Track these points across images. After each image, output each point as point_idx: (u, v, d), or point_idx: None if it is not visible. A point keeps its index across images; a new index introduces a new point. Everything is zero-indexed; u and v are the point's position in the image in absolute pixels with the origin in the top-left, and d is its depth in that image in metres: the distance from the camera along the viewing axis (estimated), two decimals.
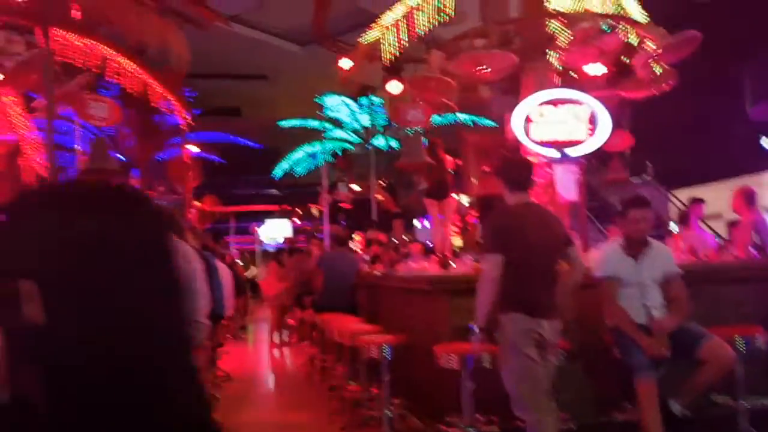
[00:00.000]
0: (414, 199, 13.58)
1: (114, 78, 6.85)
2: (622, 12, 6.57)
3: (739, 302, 4.54)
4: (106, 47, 6.58)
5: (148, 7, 6.19)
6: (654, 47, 6.08)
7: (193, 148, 11.82)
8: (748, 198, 5.98)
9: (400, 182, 16.64)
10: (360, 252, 9.76)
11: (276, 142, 21.02)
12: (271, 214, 24.32)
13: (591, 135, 5.87)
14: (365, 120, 18.79)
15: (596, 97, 5.94)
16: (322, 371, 7.12)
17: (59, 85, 5.72)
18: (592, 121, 5.86)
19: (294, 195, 23.13)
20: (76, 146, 8.46)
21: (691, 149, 12.34)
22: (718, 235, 8.62)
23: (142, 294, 0.72)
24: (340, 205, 16.62)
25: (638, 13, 6.70)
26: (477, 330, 3.42)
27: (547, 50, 6.26)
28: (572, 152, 5.86)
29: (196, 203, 9.76)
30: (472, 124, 13.00)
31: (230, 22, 10.77)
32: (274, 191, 24.69)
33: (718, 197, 9.11)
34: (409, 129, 7.77)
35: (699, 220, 7.85)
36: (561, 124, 5.84)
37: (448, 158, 7.70)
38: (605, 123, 5.85)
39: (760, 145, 12.89)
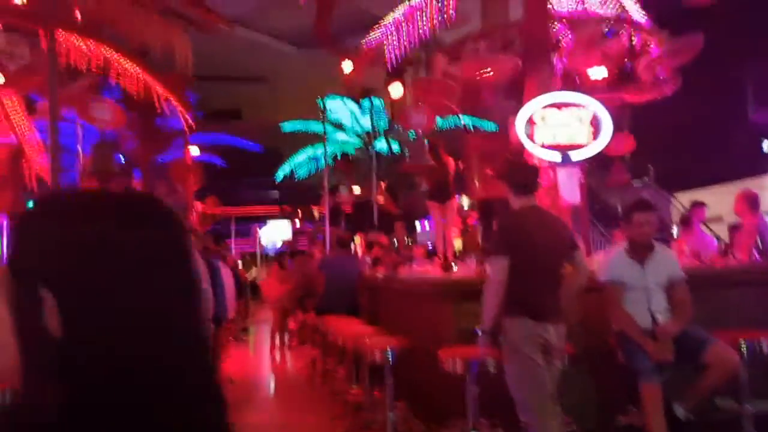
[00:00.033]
0: (415, 201, 13.59)
1: (117, 80, 6.86)
2: (625, 15, 6.58)
3: (742, 306, 4.53)
4: (109, 50, 6.58)
5: (151, 10, 6.20)
6: (657, 51, 6.08)
7: (195, 151, 11.84)
8: (751, 202, 5.98)
9: (401, 184, 16.64)
10: (361, 254, 9.76)
11: (277, 145, 21.04)
12: (271, 217, 24.33)
13: (593, 138, 5.87)
14: (367, 122, 18.80)
15: (598, 101, 5.95)
16: (324, 374, 7.11)
17: (62, 88, 5.73)
18: (595, 124, 5.86)
19: (295, 197, 23.14)
20: (78, 148, 8.46)
21: (692, 152, 12.36)
22: (719, 239, 8.61)
23: (161, 296, 0.73)
24: (342, 207, 16.62)
25: (640, 17, 6.72)
26: (483, 334, 3.41)
27: (550, 53, 6.27)
28: (575, 156, 5.87)
29: (199, 203, 9.75)
30: (472, 128, 13.01)
31: (232, 24, 10.77)
32: (274, 193, 24.71)
33: (719, 200, 9.12)
34: (411, 132, 7.78)
35: (701, 224, 7.84)
36: (564, 128, 5.84)
37: (450, 160, 7.71)
38: (607, 126, 5.85)
39: (762, 149, 12.90)
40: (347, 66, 8.06)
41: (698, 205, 7.69)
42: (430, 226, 14.52)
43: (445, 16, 6.36)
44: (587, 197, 6.92)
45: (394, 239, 10.79)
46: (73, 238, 0.70)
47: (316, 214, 20.38)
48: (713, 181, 11.52)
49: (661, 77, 6.37)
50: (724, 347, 3.82)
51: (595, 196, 9.87)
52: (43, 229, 0.72)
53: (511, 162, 5.12)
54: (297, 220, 23.91)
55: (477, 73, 6.00)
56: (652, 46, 6.26)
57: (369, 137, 18.79)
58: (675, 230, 8.63)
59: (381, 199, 14.63)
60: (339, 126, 19.50)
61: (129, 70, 7.03)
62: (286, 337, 10.82)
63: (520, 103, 6.02)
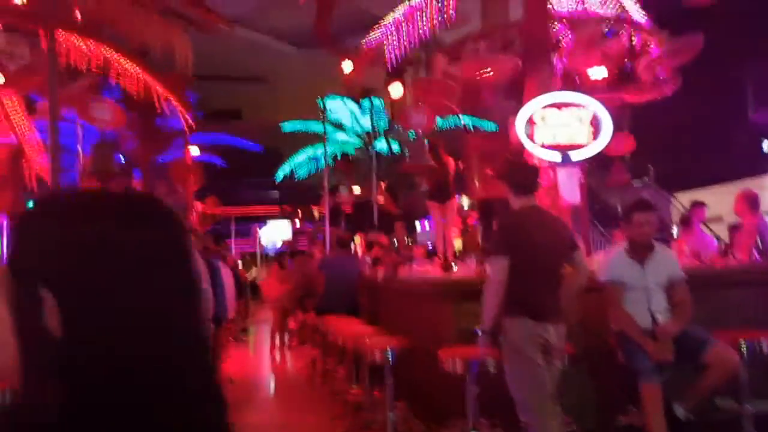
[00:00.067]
0: (415, 201, 13.59)
1: (117, 80, 6.86)
2: (625, 15, 6.58)
3: (742, 306, 4.53)
4: (109, 49, 6.59)
5: (151, 10, 6.20)
6: (657, 51, 6.08)
7: (195, 151, 11.83)
8: (751, 202, 5.98)
9: (401, 184, 16.65)
10: (361, 254, 9.75)
11: (277, 145, 21.04)
12: (271, 217, 24.32)
13: (593, 138, 5.87)
14: (367, 123, 18.80)
15: (598, 101, 5.95)
16: (324, 374, 7.11)
17: (62, 88, 5.73)
18: (595, 124, 5.86)
19: (295, 197, 23.14)
20: (78, 148, 8.46)
21: (692, 152, 12.36)
22: (719, 239, 8.61)
23: (161, 296, 0.73)
24: (342, 207, 16.62)
25: (641, 17, 6.72)
26: (483, 333, 3.41)
27: (550, 54, 6.27)
28: (575, 156, 5.86)
29: (199, 203, 9.76)
30: (472, 128, 13.01)
31: (232, 24, 10.77)
32: (274, 193, 24.71)
33: (719, 200, 9.12)
34: (411, 132, 7.79)
35: (701, 224, 7.84)
36: (564, 128, 5.84)
37: (450, 160, 7.71)
38: (608, 126, 5.85)
39: (762, 149, 12.90)
40: (347, 66, 8.06)
41: (698, 205, 7.69)
42: (430, 226, 14.52)
43: (445, 16, 6.36)
44: (587, 197, 6.92)
45: (394, 239, 10.78)
46: (73, 238, 0.70)
47: (316, 214, 20.38)
48: (713, 181, 11.52)
49: (661, 77, 6.37)
50: (725, 347, 3.82)
51: (594, 196, 9.87)
52: (43, 229, 0.72)
53: (511, 162, 5.12)
54: (297, 220, 23.91)
55: (477, 73, 6.00)
56: (652, 46, 6.26)
57: (369, 137, 18.79)
58: (675, 230, 8.64)
59: (381, 199, 14.63)
60: (339, 126, 19.50)
61: (129, 70, 7.03)
62: (286, 337, 10.81)
63: (520, 103, 6.02)
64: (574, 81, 6.52)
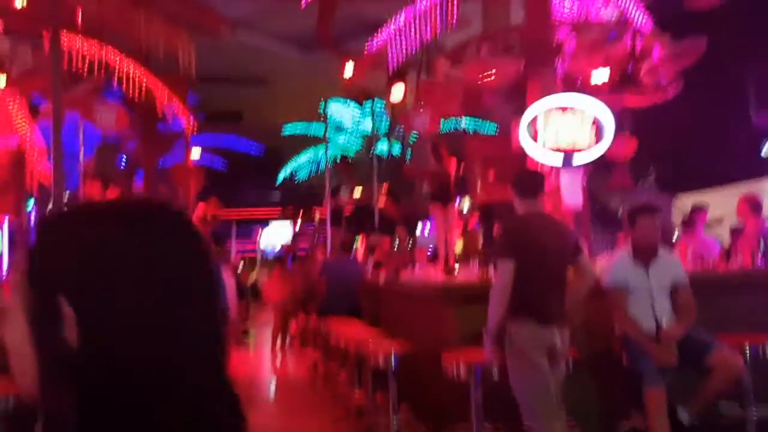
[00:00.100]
0: (416, 204, 13.58)
1: (119, 83, 6.87)
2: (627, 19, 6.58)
3: (747, 310, 4.52)
4: (112, 52, 6.59)
5: (154, 13, 6.20)
6: (659, 54, 6.09)
7: (196, 154, 11.83)
8: (753, 205, 5.97)
9: (402, 186, 16.65)
10: (362, 257, 9.74)
11: (278, 147, 21.04)
12: (272, 218, 24.30)
13: (596, 142, 5.87)
14: (368, 125, 18.82)
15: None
16: (326, 377, 7.10)
17: (66, 91, 5.73)
18: (597, 127, 5.86)
19: (296, 199, 23.13)
20: (80, 151, 8.47)
21: (694, 154, 12.34)
22: (721, 242, 8.60)
23: (182, 304, 0.73)
24: (345, 210, 16.62)
25: (643, 20, 6.72)
26: (487, 336, 3.41)
27: (552, 57, 6.27)
28: (577, 159, 5.87)
29: (201, 204, 9.76)
30: (471, 132, 13.02)
31: (234, 27, 10.79)
32: (276, 195, 24.70)
33: (721, 202, 9.10)
34: (413, 135, 7.79)
35: (703, 226, 7.83)
36: (566, 131, 5.84)
37: (453, 161, 7.71)
38: (610, 129, 5.85)
39: (764, 152, 12.89)
40: (349, 69, 8.07)
41: (700, 208, 7.67)
42: (430, 229, 14.51)
43: (447, 20, 6.36)
44: (587, 200, 6.92)
45: (396, 242, 10.76)
46: (91, 248, 0.70)
47: (316, 216, 20.37)
48: (715, 183, 11.51)
49: (664, 81, 6.37)
50: (729, 351, 3.82)
51: (595, 199, 9.86)
52: (61, 239, 0.72)
53: (518, 167, 5.12)
54: (298, 222, 23.90)
55: (480, 76, 6.00)
56: (654, 49, 6.26)
57: (370, 140, 18.80)
58: (676, 233, 8.63)
59: (382, 201, 14.63)
60: (340, 129, 19.51)
61: (131, 72, 7.03)
62: (287, 340, 10.80)
63: (521, 107, 6.02)
64: (575, 84, 6.52)
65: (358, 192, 17.46)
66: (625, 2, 6.78)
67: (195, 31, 7.77)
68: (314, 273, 8.23)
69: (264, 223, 24.18)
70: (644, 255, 4.01)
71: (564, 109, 5.84)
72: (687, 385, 3.86)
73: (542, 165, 5.80)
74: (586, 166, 6.17)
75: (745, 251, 5.48)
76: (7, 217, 8.16)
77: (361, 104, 18.57)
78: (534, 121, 5.82)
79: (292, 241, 21.08)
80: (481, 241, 8.23)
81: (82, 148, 8.62)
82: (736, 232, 6.84)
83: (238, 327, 10.75)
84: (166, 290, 0.71)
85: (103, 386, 0.69)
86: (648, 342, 3.83)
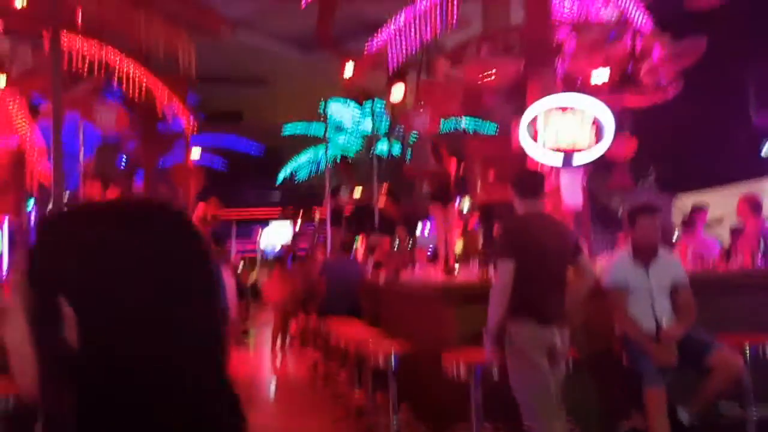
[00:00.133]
0: (416, 203, 13.58)
1: (119, 83, 6.87)
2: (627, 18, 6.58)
3: (747, 310, 4.52)
4: (112, 52, 6.59)
5: (154, 13, 6.20)
6: (659, 55, 6.09)
7: (196, 154, 11.83)
8: (753, 205, 5.97)
9: (402, 186, 16.66)
10: (362, 257, 9.74)
11: (278, 147, 21.04)
12: (272, 218, 24.30)
13: (596, 142, 5.87)
14: (368, 125, 18.83)
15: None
16: (326, 377, 7.10)
17: (66, 91, 5.73)
18: (598, 127, 5.86)
19: (296, 199, 23.13)
20: (80, 151, 8.47)
21: (694, 154, 12.34)
22: (721, 242, 8.60)
23: (183, 304, 0.73)
24: (345, 210, 16.62)
25: (643, 20, 6.72)
26: (487, 335, 3.41)
27: (552, 57, 6.27)
28: (577, 159, 5.86)
29: (201, 204, 9.77)
30: (471, 132, 13.03)
31: (234, 27, 10.79)
32: (276, 195, 24.70)
33: (721, 202, 9.10)
34: (413, 134, 7.79)
35: (703, 226, 7.83)
36: (566, 131, 5.84)
37: (453, 161, 7.71)
38: (610, 129, 5.85)
39: (763, 152, 12.89)
40: (349, 69, 8.07)
41: (700, 208, 7.68)
42: (430, 229, 14.52)
43: (447, 20, 6.37)
44: (588, 200, 6.92)
45: (395, 242, 10.76)
46: (91, 248, 0.70)
47: (317, 215, 20.38)
48: (715, 183, 11.51)
49: (664, 81, 6.37)
50: (729, 351, 3.82)
51: (595, 199, 9.86)
52: (62, 239, 0.72)
53: (518, 167, 5.12)
54: (298, 222, 23.89)
55: (480, 76, 6.01)
56: (654, 49, 6.26)
57: (370, 140, 18.80)
58: (676, 233, 8.63)
59: (382, 201, 14.63)
60: (340, 129, 19.52)
61: (132, 72, 7.04)
62: (287, 340, 10.80)
63: (521, 106, 6.02)
64: (575, 84, 6.53)
65: (358, 192, 17.46)
66: (625, 2, 6.79)
67: (195, 31, 7.77)
68: (314, 273, 8.23)
69: (264, 223, 24.18)
70: (644, 255, 4.01)
71: (564, 109, 5.84)
72: (687, 385, 3.86)
73: (542, 165, 5.80)
74: (586, 166, 6.17)
75: (745, 251, 5.48)
76: (7, 217, 8.17)
77: (361, 104, 18.57)
78: (534, 121, 5.82)
79: (292, 241, 21.08)
80: (480, 241, 8.23)
81: (82, 148, 8.64)
82: (736, 232, 6.83)
83: (238, 327, 10.75)
84: (166, 290, 0.71)
85: (103, 386, 0.69)
86: (648, 342, 3.83)
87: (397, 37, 6.92)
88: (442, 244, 7.61)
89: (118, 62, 6.90)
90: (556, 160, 5.87)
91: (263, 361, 10.26)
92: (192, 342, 0.73)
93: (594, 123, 5.87)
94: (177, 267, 0.73)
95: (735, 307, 4.51)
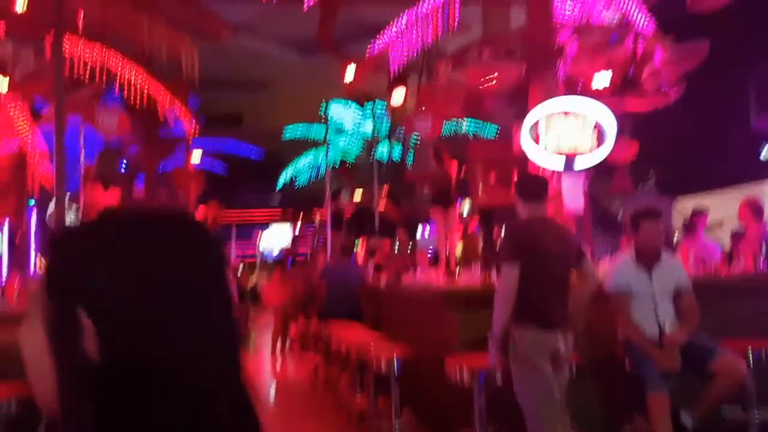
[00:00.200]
0: (417, 206, 13.58)
1: (121, 87, 6.87)
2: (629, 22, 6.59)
3: (749, 314, 4.52)
4: (113, 56, 6.59)
5: (156, 17, 6.21)
6: (661, 58, 6.09)
7: (197, 157, 11.82)
8: (754, 209, 5.97)
9: (402, 190, 16.67)
10: (363, 260, 9.73)
11: (278, 151, 21.05)
12: (272, 221, 24.30)
13: (598, 145, 5.88)
14: (369, 127, 18.84)
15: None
16: (327, 382, 7.08)
17: (68, 95, 5.73)
18: (599, 131, 5.86)
19: (296, 202, 23.13)
20: (81, 155, 8.47)
21: (694, 157, 12.36)
22: (722, 246, 8.60)
23: (200, 313, 0.73)
24: (345, 213, 16.63)
25: (645, 24, 6.73)
26: (492, 340, 3.40)
27: (554, 60, 6.28)
28: (579, 163, 5.87)
29: (201, 207, 9.77)
30: (472, 135, 13.03)
31: (235, 32, 10.80)
32: (276, 198, 24.70)
33: (721, 205, 9.11)
34: (414, 136, 7.79)
35: (704, 230, 7.82)
36: (568, 135, 5.84)
37: (454, 164, 7.71)
38: (612, 133, 5.85)
39: (762, 155, 12.91)
40: (350, 73, 8.08)
41: (701, 211, 7.67)
42: (431, 232, 14.51)
43: (449, 23, 6.37)
44: (589, 204, 6.92)
45: (396, 245, 10.76)
46: (110, 257, 0.70)
47: (317, 218, 20.37)
48: (715, 186, 11.51)
49: (665, 85, 6.38)
50: (732, 356, 3.82)
51: (596, 203, 9.86)
52: (80, 249, 0.72)
53: (522, 172, 5.12)
54: (297, 225, 23.89)
55: (481, 80, 6.01)
56: (656, 52, 6.27)
57: (371, 143, 18.82)
58: (676, 236, 8.63)
59: (383, 204, 14.64)
60: (341, 131, 19.53)
61: (133, 77, 7.04)
62: (288, 344, 10.77)
63: (523, 110, 6.02)
64: (577, 88, 6.53)
65: (358, 195, 17.47)
66: (627, 5, 6.80)
67: (196, 35, 7.78)
68: (314, 276, 8.22)
69: (264, 226, 24.17)
70: (647, 259, 4.01)
71: (566, 112, 5.84)
72: (690, 390, 3.86)
73: (544, 169, 5.80)
74: (587, 170, 6.17)
75: (747, 255, 5.48)
76: (7, 220, 8.16)
77: (362, 106, 18.59)
78: (536, 124, 5.82)
79: (291, 244, 21.07)
80: (481, 244, 8.22)
81: (83, 152, 8.64)
82: (736, 236, 6.83)
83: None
84: (188, 300, 0.71)
85: (126, 397, 0.69)
86: (651, 347, 3.83)
87: (398, 41, 6.93)
88: (443, 248, 7.60)
89: (119, 68, 6.91)
90: (558, 163, 5.87)
91: (263, 365, 10.24)
92: (216, 351, 0.73)
93: (596, 127, 5.87)
94: (199, 277, 0.73)
95: (737, 311, 4.50)
